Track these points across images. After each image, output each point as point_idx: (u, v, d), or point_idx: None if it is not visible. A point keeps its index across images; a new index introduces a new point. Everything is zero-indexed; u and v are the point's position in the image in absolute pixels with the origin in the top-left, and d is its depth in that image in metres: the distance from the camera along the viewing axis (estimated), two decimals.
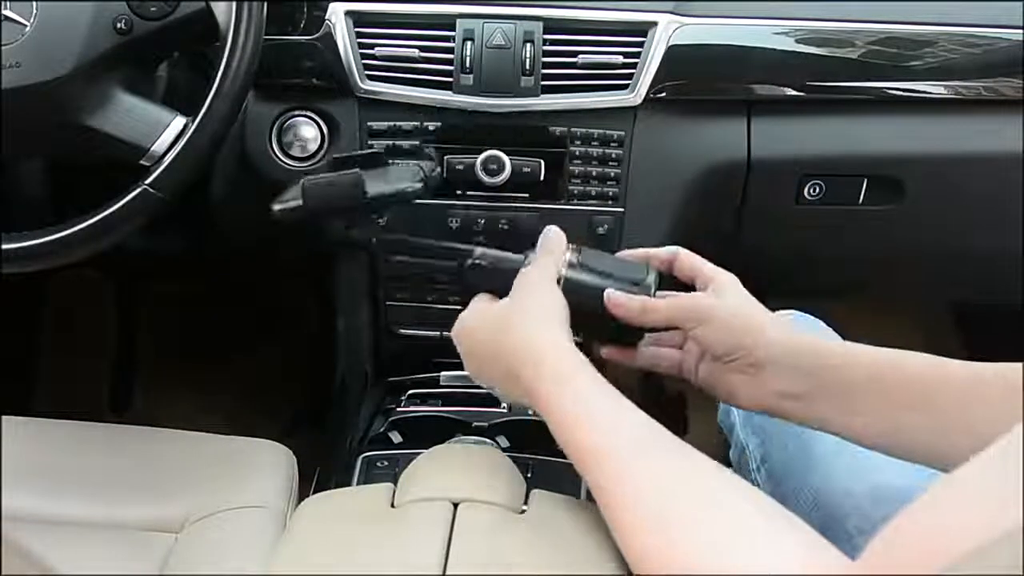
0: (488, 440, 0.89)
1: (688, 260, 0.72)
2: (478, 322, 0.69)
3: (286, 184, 0.97)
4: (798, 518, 0.46)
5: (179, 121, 0.79)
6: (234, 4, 0.76)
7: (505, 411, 0.96)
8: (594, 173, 0.97)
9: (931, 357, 0.63)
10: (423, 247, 0.78)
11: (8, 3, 0.76)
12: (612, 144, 0.96)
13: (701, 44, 0.94)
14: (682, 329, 0.68)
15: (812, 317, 0.92)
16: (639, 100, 0.94)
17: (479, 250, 0.73)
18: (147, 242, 1.12)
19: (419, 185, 0.76)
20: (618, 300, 0.67)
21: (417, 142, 0.95)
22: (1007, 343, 0.76)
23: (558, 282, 0.67)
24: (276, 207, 0.76)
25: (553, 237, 0.70)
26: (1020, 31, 0.95)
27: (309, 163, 0.97)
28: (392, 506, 0.62)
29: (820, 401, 0.64)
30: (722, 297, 0.68)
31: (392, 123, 0.95)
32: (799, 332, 0.69)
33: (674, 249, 0.73)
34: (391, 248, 0.79)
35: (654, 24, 0.93)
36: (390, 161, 0.81)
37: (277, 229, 1.07)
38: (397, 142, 0.96)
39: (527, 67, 0.93)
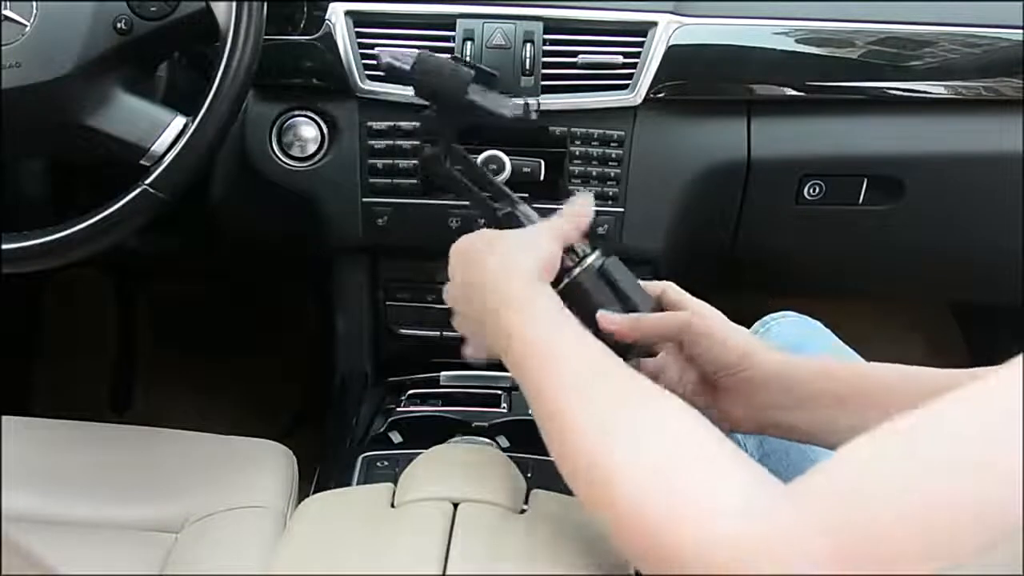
0: (488, 440, 0.89)
1: (675, 295, 0.72)
2: (471, 239, 0.68)
3: (286, 184, 0.98)
4: (743, 452, 0.45)
5: (179, 121, 0.78)
6: (234, 4, 0.76)
7: (505, 411, 0.96)
8: (594, 173, 0.97)
9: (911, 368, 0.64)
10: (467, 179, 0.77)
11: (8, 3, 0.76)
12: (612, 144, 0.96)
13: (701, 44, 0.94)
14: (680, 346, 0.68)
15: (810, 318, 0.92)
16: (639, 100, 0.94)
17: (522, 206, 0.73)
18: (147, 242, 1.12)
19: (513, 114, 0.76)
20: (611, 319, 0.66)
21: (417, 142, 0.96)
22: (1007, 343, 0.76)
23: (559, 282, 0.67)
24: (387, 58, 0.76)
25: (581, 203, 0.69)
26: (1020, 31, 0.95)
27: (309, 163, 0.97)
28: (392, 506, 0.62)
29: (807, 414, 0.65)
30: (703, 309, 0.69)
31: (392, 123, 0.95)
32: (781, 349, 0.69)
33: (663, 284, 0.73)
34: (436, 161, 0.78)
35: (654, 24, 0.93)
36: (500, 92, 0.81)
37: (277, 229, 1.08)
38: (397, 142, 0.96)
39: (527, 67, 0.93)
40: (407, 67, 0.75)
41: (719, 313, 0.70)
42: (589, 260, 0.68)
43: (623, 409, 0.48)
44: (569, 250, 0.68)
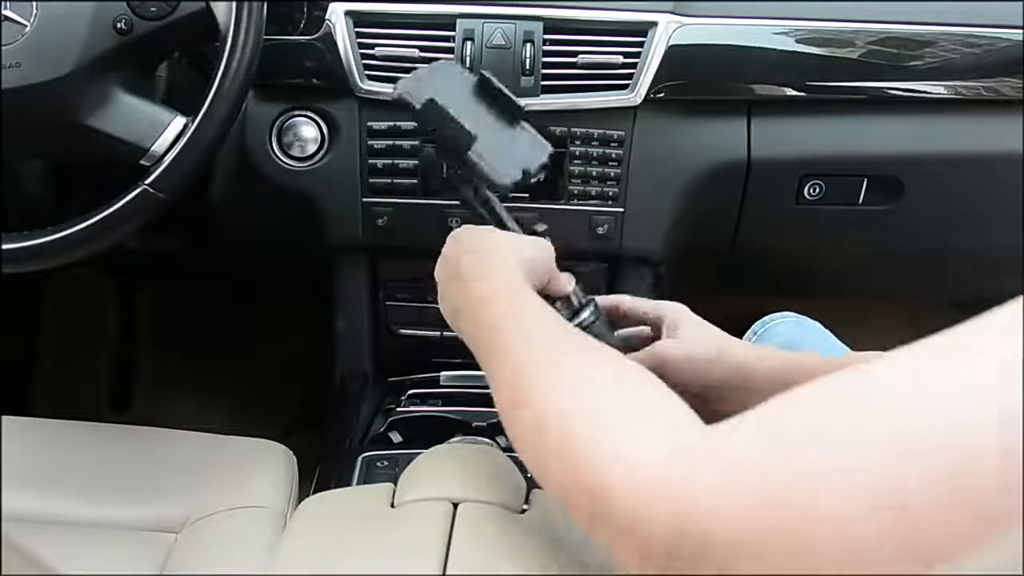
0: (488, 440, 0.89)
1: (632, 304, 0.71)
2: (478, 231, 0.68)
3: (286, 184, 0.98)
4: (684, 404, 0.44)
5: (179, 121, 0.78)
6: (234, 4, 0.76)
7: None
8: (594, 173, 0.97)
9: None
10: (485, 209, 0.75)
11: (8, 3, 0.76)
12: (612, 144, 0.96)
13: (701, 44, 0.94)
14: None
15: (810, 319, 0.92)
16: (639, 100, 0.94)
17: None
18: (147, 242, 1.12)
19: (511, 181, 0.73)
20: None
21: (417, 142, 0.96)
22: None
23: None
24: (398, 91, 0.74)
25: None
26: (1020, 31, 0.95)
27: (309, 163, 0.97)
28: (392, 506, 0.62)
29: None
30: (680, 333, 0.68)
31: (392, 123, 0.95)
32: (761, 346, 0.68)
33: (616, 298, 0.72)
34: (453, 189, 0.76)
35: (654, 24, 0.93)
36: (524, 123, 0.76)
37: (277, 229, 1.08)
38: (397, 142, 0.96)
39: (527, 67, 0.93)
40: (417, 105, 0.73)
41: (681, 308, 0.69)
42: (579, 319, 0.68)
43: (572, 370, 0.48)
44: (566, 300, 0.68)
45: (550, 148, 0.77)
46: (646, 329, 0.72)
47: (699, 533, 0.35)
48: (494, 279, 0.59)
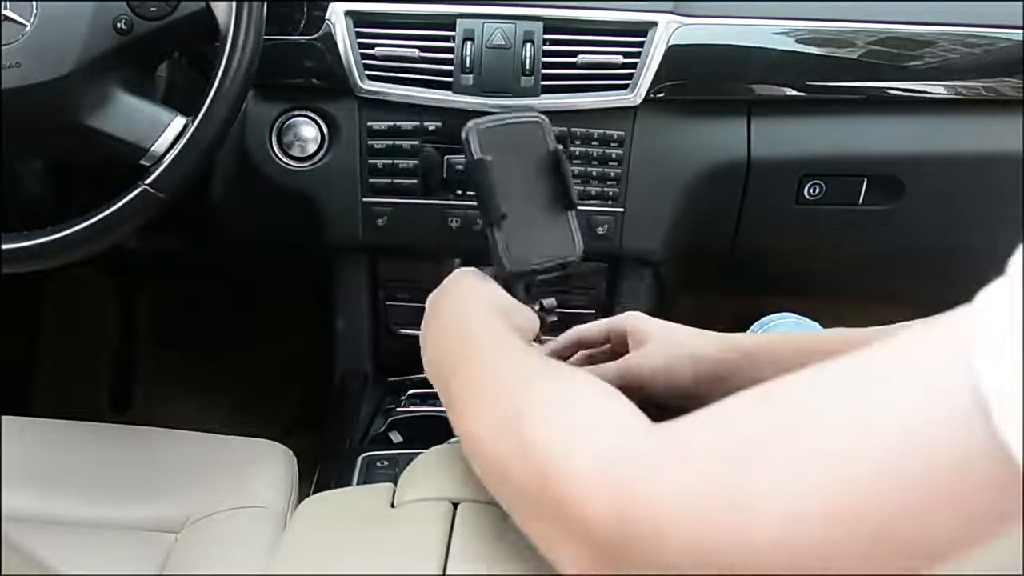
0: None
1: (589, 331, 0.71)
2: (479, 275, 0.66)
3: (286, 184, 0.98)
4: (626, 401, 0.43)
5: (179, 121, 0.78)
6: (234, 4, 0.76)
7: None
8: (594, 173, 0.97)
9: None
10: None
11: (8, 3, 0.76)
12: (612, 144, 0.96)
13: (701, 44, 0.94)
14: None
15: (808, 319, 0.92)
16: (639, 100, 0.94)
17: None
18: (147, 242, 1.12)
19: (517, 271, 0.68)
20: None
21: (417, 142, 0.96)
22: None
23: None
24: (466, 133, 0.68)
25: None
26: (1020, 31, 0.95)
27: (309, 163, 0.97)
28: (392, 506, 0.62)
29: None
30: (650, 344, 0.66)
31: (392, 123, 0.95)
32: (735, 339, 0.67)
33: (572, 334, 0.72)
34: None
35: (654, 24, 0.93)
36: (571, 214, 0.71)
37: (277, 229, 1.08)
38: (397, 142, 0.96)
39: (527, 67, 0.93)
40: (473, 156, 0.68)
41: (639, 316, 0.68)
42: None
43: (529, 382, 0.47)
44: None
45: (579, 251, 0.72)
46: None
47: (645, 523, 0.35)
48: (473, 341, 0.58)
